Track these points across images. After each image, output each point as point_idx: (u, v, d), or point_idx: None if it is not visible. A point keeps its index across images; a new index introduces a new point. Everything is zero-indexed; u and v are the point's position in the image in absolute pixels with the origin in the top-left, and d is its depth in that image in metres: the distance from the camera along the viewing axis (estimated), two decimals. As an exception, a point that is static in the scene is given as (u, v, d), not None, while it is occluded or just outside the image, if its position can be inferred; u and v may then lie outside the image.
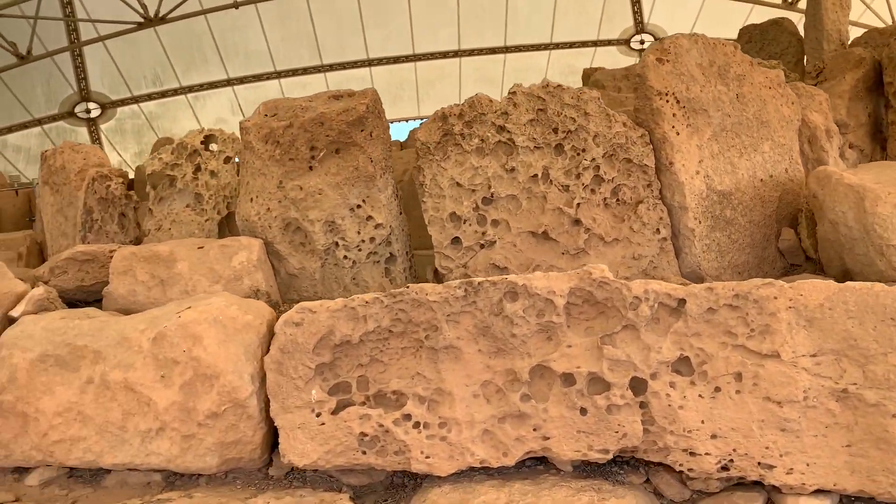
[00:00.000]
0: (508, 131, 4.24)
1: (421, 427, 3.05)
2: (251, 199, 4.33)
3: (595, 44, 22.12)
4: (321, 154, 4.27)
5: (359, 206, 4.31)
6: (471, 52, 22.78)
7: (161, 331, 3.27)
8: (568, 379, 3.00)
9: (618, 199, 4.18)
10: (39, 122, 21.93)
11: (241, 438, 3.22)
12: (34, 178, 15.58)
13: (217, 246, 3.98)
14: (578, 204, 4.19)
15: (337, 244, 4.30)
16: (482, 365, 3.07)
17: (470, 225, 4.26)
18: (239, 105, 23.65)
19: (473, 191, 4.26)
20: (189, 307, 3.36)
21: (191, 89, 22.86)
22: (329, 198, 4.25)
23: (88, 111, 22.26)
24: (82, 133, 22.68)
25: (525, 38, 22.23)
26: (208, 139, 4.80)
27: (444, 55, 22.92)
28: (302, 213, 4.27)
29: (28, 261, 7.07)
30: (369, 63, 23.11)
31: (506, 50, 22.60)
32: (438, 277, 4.33)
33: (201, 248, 3.99)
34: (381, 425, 3.06)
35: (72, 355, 3.37)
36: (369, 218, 4.32)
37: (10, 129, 21.71)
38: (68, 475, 3.53)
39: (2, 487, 3.50)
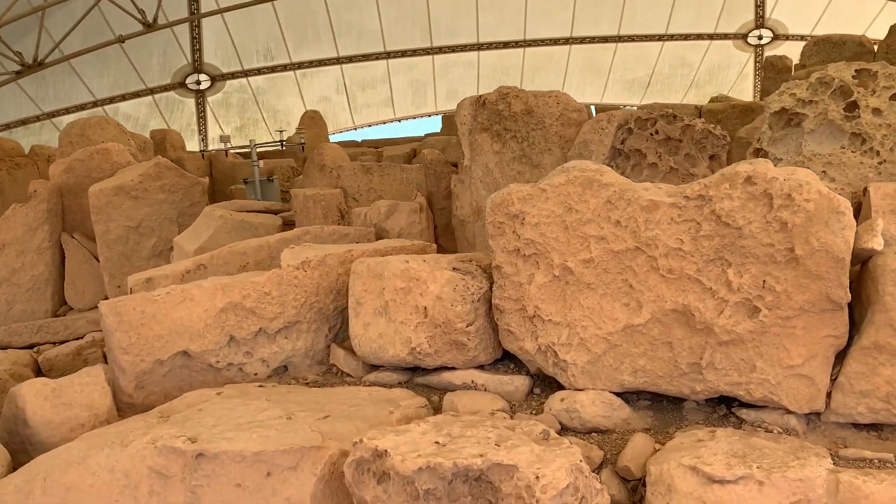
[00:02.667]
0: None
1: None
2: None
3: (711, 37, 21.71)
4: None
5: None
6: (582, 40, 22.26)
7: None
8: None
9: None
10: (151, 91, 21.13)
11: None
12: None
13: None
14: None
15: None
16: None
17: None
18: (344, 84, 22.99)
19: None
20: None
21: (300, 65, 22.18)
22: None
23: (199, 83, 21.48)
24: (189, 104, 21.96)
25: (640, 28, 21.74)
26: (860, 73, 4.18)
27: (555, 42, 22.38)
28: None
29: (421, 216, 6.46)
30: (479, 47, 22.54)
31: (618, 39, 22.10)
32: None
33: None
34: None
35: None
36: None
37: (123, 97, 20.92)
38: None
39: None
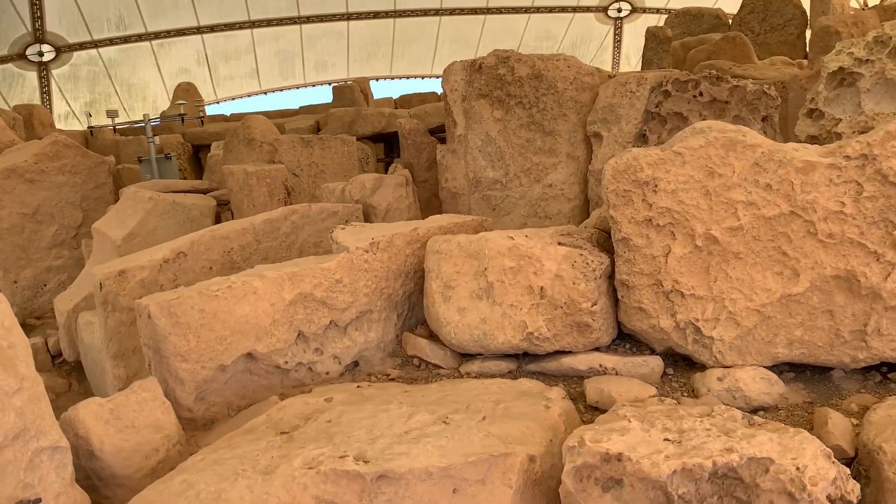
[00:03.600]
0: None
1: None
2: None
3: (574, 10, 22.10)
4: None
5: None
6: (452, 11, 21.98)
7: None
8: None
9: None
10: (-15, 63, 18.72)
11: None
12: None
13: None
14: None
15: None
16: None
17: None
18: (206, 55, 21.48)
19: None
20: None
21: (157, 35, 20.43)
22: None
23: (41, 54, 19.28)
24: (31, 78, 19.70)
25: (507, 1, 21.74)
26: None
27: (426, 13, 21.96)
28: None
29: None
30: (348, 17, 21.71)
31: (487, 11, 22.03)
32: None
33: None
34: None
35: None
36: None
37: (-50, 70, 18.40)
38: None
39: None
